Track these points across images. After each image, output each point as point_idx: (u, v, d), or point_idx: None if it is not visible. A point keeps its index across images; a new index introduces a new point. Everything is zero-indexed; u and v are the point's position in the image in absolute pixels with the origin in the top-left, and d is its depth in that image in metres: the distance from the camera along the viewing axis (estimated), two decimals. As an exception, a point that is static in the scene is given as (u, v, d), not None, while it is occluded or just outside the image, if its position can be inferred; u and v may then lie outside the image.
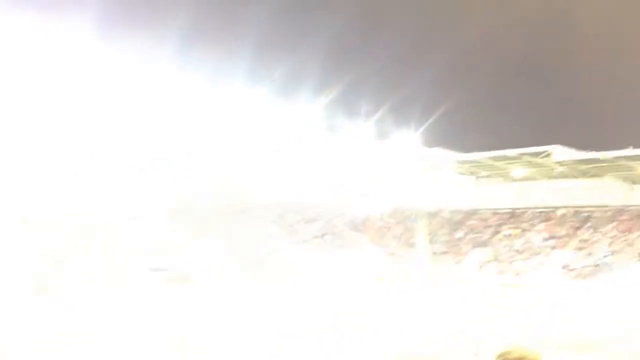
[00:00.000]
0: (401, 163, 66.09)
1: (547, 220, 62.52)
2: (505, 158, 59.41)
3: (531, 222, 63.37)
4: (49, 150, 51.99)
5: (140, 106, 55.53)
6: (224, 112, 60.17)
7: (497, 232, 63.56)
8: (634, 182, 58.93)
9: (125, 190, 54.33)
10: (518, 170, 62.86)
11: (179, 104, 57.89)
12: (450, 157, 63.84)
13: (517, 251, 59.45)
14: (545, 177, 63.47)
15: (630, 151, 51.30)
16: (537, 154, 56.33)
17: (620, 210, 58.73)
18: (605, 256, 53.78)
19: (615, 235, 56.07)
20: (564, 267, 54.39)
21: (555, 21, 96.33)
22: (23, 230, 44.56)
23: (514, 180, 66.36)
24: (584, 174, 60.35)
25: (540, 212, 63.81)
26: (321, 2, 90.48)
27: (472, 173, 68.23)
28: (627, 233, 55.96)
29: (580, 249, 56.31)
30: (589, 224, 59.08)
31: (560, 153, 55.24)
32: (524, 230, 62.48)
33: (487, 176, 67.71)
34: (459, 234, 65.37)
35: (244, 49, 62.61)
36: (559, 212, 62.43)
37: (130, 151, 57.18)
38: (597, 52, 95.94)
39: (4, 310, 29.49)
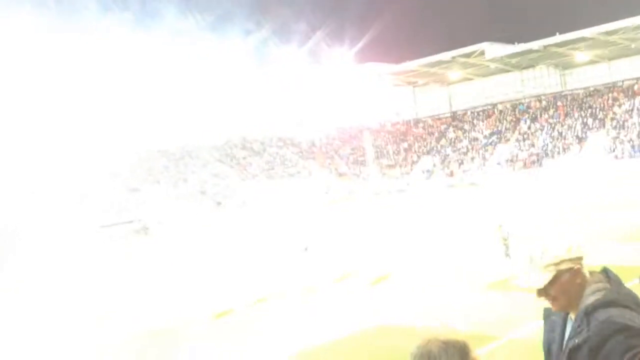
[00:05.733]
0: (338, 83, 65.68)
1: (487, 117, 63.68)
2: (439, 63, 59.61)
3: (472, 122, 64.49)
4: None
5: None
6: (160, 52, 58.62)
7: (441, 138, 64.55)
8: (564, 68, 60.15)
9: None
10: (454, 73, 63.31)
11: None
12: (385, 70, 63.73)
13: (463, 152, 60.67)
14: (481, 76, 64.20)
15: (557, 38, 52.05)
16: (469, 54, 56.65)
17: (555, 97, 60.16)
18: (546, 144, 55.42)
19: (554, 123, 57.62)
20: (508, 160, 55.91)
21: None
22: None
23: (451, 83, 66.98)
24: (517, 67, 61.23)
25: (480, 111, 64.92)
26: None
27: (409, 83, 68.46)
28: (565, 118, 57.54)
29: (522, 140, 57.78)
30: (527, 116, 60.45)
31: (491, 50, 55.67)
32: (466, 131, 63.60)
33: (425, 84, 68.08)
34: (405, 144, 66.16)
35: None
36: (498, 108, 63.60)
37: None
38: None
39: None
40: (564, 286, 2.28)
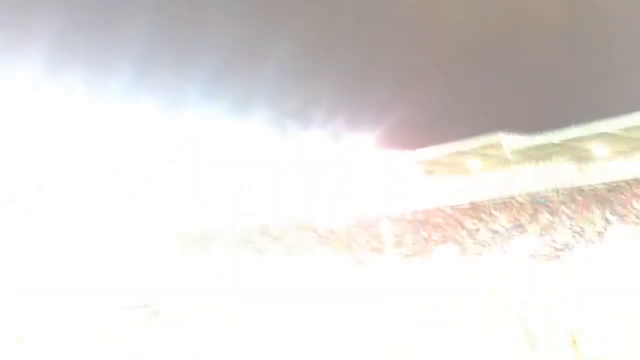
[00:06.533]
0: (359, 168, 66.44)
1: (506, 209, 63.52)
2: (458, 153, 60.24)
3: (491, 213, 64.31)
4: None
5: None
6: (180, 135, 60.03)
7: (460, 227, 64.27)
8: (583, 162, 60.36)
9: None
10: (472, 163, 63.78)
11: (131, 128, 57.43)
12: (404, 157, 64.46)
13: (482, 244, 60.19)
14: (499, 167, 64.57)
15: (575, 131, 52.56)
16: (486, 146, 57.28)
17: (574, 191, 60.06)
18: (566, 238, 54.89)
19: (573, 217, 57.28)
20: (529, 254, 55.24)
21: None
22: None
23: (470, 173, 67.36)
24: (534, 159, 61.58)
25: (499, 203, 64.84)
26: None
27: (428, 171, 68.99)
28: (585, 213, 57.24)
29: (542, 234, 57.28)
30: (546, 209, 60.22)
31: (508, 141, 56.28)
32: (485, 221, 63.33)
33: (443, 172, 68.56)
34: (424, 233, 65.90)
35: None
36: (518, 200, 63.55)
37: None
38: (526, 36, 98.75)
39: None
40: None
